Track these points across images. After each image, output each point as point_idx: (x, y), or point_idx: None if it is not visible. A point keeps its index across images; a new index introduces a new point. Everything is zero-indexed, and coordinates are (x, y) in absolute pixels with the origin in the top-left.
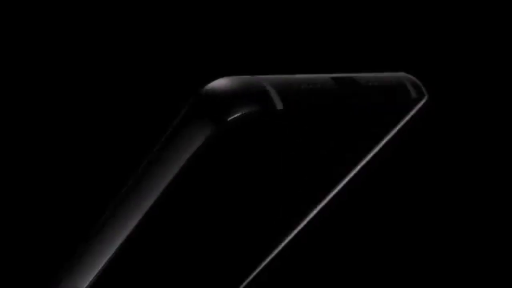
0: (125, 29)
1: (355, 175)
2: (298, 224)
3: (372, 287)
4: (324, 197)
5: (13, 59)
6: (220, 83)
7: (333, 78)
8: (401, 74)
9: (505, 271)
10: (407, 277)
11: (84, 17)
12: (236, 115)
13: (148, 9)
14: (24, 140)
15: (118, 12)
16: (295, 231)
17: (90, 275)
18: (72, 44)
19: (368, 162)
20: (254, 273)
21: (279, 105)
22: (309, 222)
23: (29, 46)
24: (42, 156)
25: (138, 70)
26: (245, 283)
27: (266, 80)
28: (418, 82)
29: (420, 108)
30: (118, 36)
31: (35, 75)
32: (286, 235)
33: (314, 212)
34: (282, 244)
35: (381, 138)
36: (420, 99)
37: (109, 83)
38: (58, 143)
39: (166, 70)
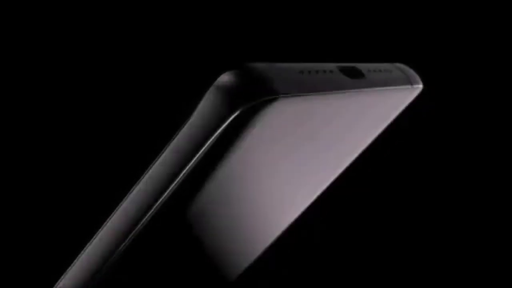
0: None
1: (354, 162)
2: (300, 214)
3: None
4: (322, 186)
5: (17, 60)
6: (234, 73)
7: (338, 66)
8: (399, 64)
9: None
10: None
11: (87, 16)
12: (259, 100)
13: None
14: (43, 139)
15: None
16: (296, 220)
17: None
18: (76, 43)
19: (365, 150)
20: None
21: (284, 91)
22: (307, 214)
23: (42, 48)
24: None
25: (146, 63)
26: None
27: (272, 67)
28: (414, 72)
29: (416, 98)
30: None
31: (51, 77)
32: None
33: (312, 200)
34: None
35: (379, 127)
36: (417, 89)
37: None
38: (66, 138)
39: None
